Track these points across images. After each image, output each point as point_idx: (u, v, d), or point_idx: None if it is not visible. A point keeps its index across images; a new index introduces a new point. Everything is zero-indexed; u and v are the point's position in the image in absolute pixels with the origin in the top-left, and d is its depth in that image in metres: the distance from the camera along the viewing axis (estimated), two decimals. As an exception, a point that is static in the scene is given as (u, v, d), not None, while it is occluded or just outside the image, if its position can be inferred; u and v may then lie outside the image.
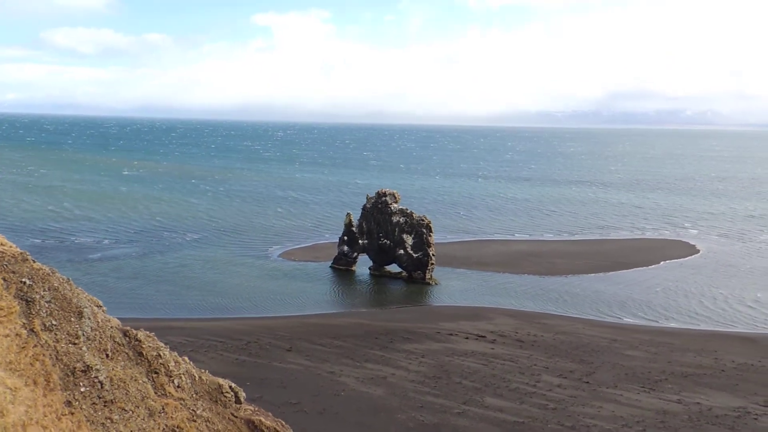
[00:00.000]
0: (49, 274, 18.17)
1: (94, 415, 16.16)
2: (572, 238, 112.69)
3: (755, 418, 42.57)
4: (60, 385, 15.55)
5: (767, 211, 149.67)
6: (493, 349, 55.28)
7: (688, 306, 72.34)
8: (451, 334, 58.99)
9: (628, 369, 51.19)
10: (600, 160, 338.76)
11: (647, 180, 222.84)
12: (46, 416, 13.92)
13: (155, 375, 19.77)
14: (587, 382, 48.08)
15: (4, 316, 15.90)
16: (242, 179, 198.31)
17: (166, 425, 18.60)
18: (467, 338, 58.06)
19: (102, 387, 16.80)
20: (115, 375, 17.61)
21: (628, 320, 66.98)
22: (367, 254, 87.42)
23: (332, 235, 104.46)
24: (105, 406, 16.72)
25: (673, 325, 65.91)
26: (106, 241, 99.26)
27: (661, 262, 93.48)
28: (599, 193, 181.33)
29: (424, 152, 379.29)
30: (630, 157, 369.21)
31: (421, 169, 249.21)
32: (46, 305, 17.26)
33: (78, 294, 18.49)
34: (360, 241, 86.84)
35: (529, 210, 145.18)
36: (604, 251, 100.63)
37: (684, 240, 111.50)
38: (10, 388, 14.02)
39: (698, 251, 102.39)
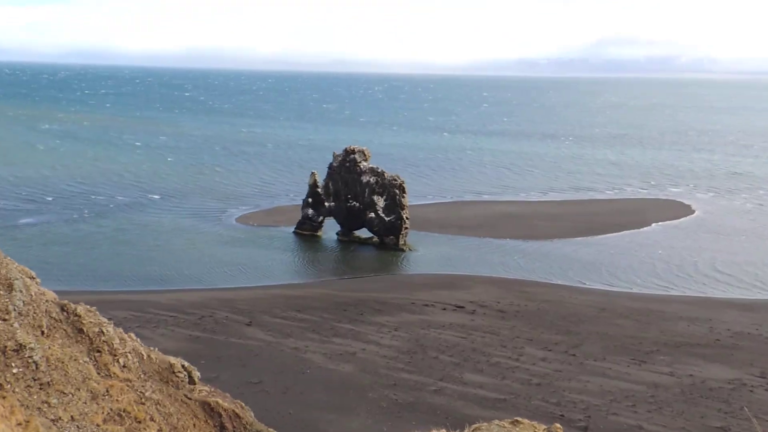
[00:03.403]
0: (-31, 241, 17.44)
1: (29, 398, 15.74)
2: (553, 199, 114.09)
3: (751, 390, 44.23)
4: (-12, 367, 15.02)
5: (757, 168, 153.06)
6: (472, 320, 56.04)
7: (680, 271, 74.18)
8: (426, 305, 59.56)
9: (617, 340, 52.51)
10: (581, 112, 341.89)
11: (629, 135, 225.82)
12: (-27, 403, 13.43)
13: (98, 354, 19.35)
14: (573, 355, 49.21)
15: None
16: (186, 134, 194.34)
17: (111, 409, 18.25)
18: (444, 309, 58.70)
19: (37, 368, 16.33)
20: (52, 354, 17.12)
21: (617, 287, 68.49)
22: (334, 218, 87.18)
23: (293, 198, 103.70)
24: (41, 388, 16.28)
25: (665, 292, 67.63)
26: (27, 206, 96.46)
27: (653, 224, 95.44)
28: (576, 149, 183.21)
29: (391, 104, 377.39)
30: (613, 109, 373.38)
31: (387, 123, 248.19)
32: (-32, 276, 16.56)
33: (7, 264, 17.83)
34: (326, 204, 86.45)
35: (501, 167, 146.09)
36: (590, 212, 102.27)
37: (677, 200, 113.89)
38: (-71, 372, 13.47)
39: (693, 212, 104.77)
